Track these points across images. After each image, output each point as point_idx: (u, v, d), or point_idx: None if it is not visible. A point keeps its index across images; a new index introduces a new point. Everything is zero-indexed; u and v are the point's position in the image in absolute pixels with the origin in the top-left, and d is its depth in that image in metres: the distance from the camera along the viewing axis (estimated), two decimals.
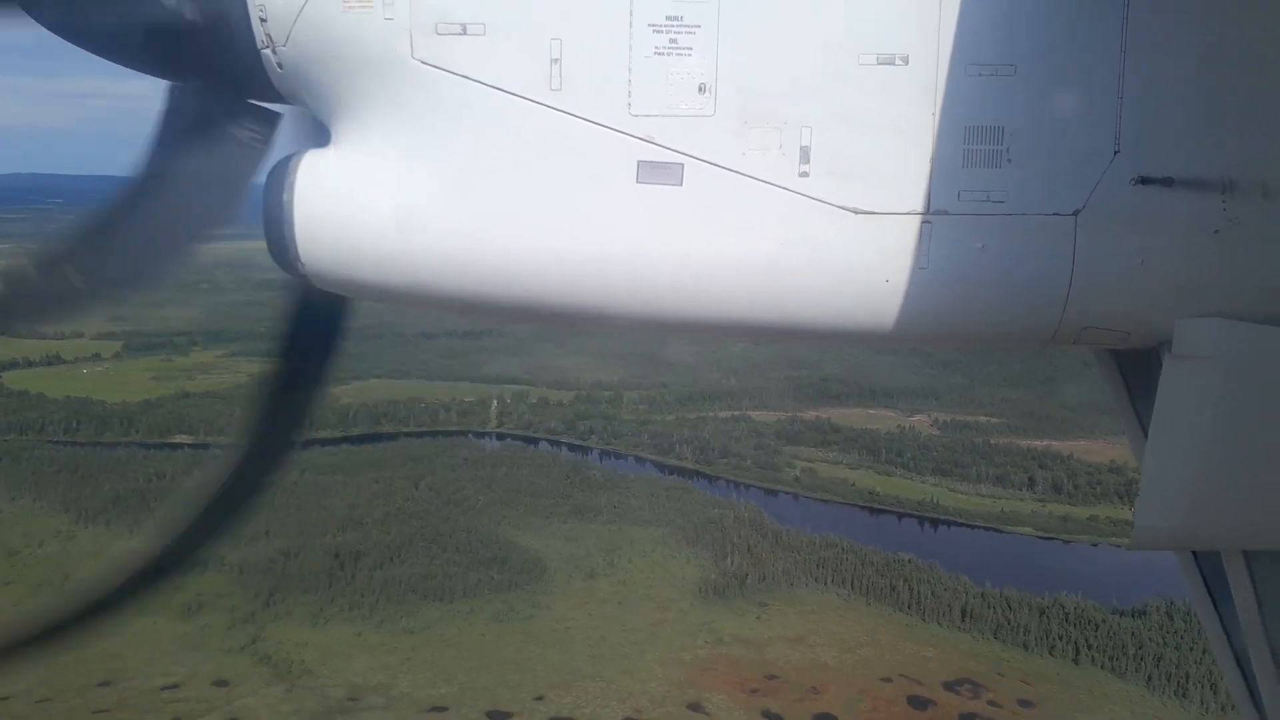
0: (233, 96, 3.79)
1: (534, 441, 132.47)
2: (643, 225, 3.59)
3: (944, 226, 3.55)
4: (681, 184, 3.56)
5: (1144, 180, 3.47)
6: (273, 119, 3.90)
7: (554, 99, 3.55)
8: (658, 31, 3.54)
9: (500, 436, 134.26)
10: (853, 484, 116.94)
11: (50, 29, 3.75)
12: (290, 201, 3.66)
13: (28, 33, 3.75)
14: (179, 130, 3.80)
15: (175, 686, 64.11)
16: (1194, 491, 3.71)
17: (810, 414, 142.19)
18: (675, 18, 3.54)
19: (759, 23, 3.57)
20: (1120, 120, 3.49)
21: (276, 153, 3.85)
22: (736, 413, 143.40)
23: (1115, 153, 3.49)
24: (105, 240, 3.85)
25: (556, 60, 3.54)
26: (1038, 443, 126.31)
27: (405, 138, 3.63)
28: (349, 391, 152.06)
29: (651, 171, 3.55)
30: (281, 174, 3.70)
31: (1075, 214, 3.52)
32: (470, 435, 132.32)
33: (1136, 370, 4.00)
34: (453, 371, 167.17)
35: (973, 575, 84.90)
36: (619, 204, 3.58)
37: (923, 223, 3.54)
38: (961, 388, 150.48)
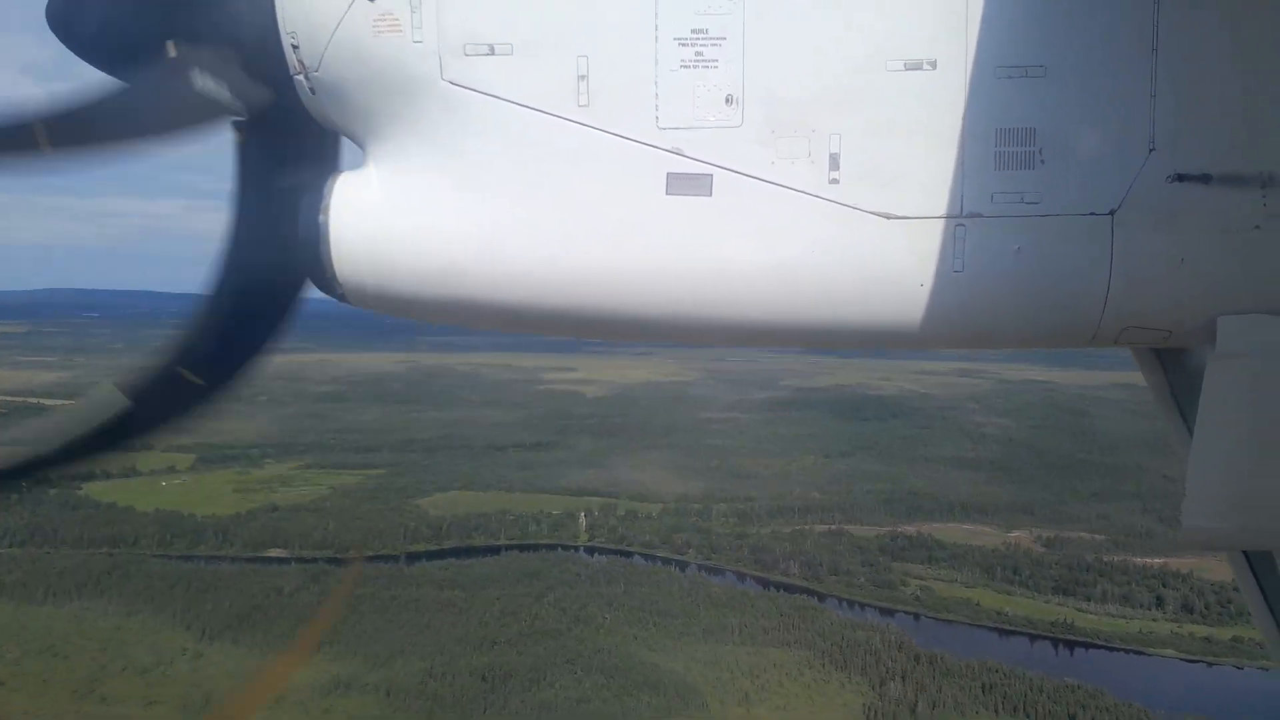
0: (294, 128, 3.80)
1: (628, 555, 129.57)
2: (673, 236, 3.58)
3: (978, 229, 3.50)
4: (711, 194, 3.55)
5: (1181, 177, 3.40)
6: (335, 140, 3.92)
7: (582, 115, 3.56)
8: (683, 45, 3.54)
9: (593, 550, 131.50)
10: (976, 603, 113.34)
11: (77, 50, 3.81)
12: (326, 222, 3.70)
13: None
14: (255, 177, 3.85)
15: None
16: (1241, 491, 3.62)
17: (909, 529, 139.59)
18: (700, 31, 3.54)
19: (784, 33, 3.55)
20: (1154, 117, 3.42)
21: (311, 173, 3.87)
22: (832, 526, 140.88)
23: (1150, 150, 3.42)
24: (209, 333, 3.91)
25: (584, 77, 3.54)
26: (1153, 560, 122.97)
27: (437, 157, 3.67)
28: (434, 503, 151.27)
29: (681, 183, 3.55)
30: (316, 195, 3.74)
31: (1111, 213, 3.45)
32: (566, 549, 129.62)
33: (1179, 369, 3.95)
34: (530, 483, 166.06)
35: (1143, 701, 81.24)
36: (649, 216, 3.58)
37: (956, 226, 3.49)
38: (1053, 503, 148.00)
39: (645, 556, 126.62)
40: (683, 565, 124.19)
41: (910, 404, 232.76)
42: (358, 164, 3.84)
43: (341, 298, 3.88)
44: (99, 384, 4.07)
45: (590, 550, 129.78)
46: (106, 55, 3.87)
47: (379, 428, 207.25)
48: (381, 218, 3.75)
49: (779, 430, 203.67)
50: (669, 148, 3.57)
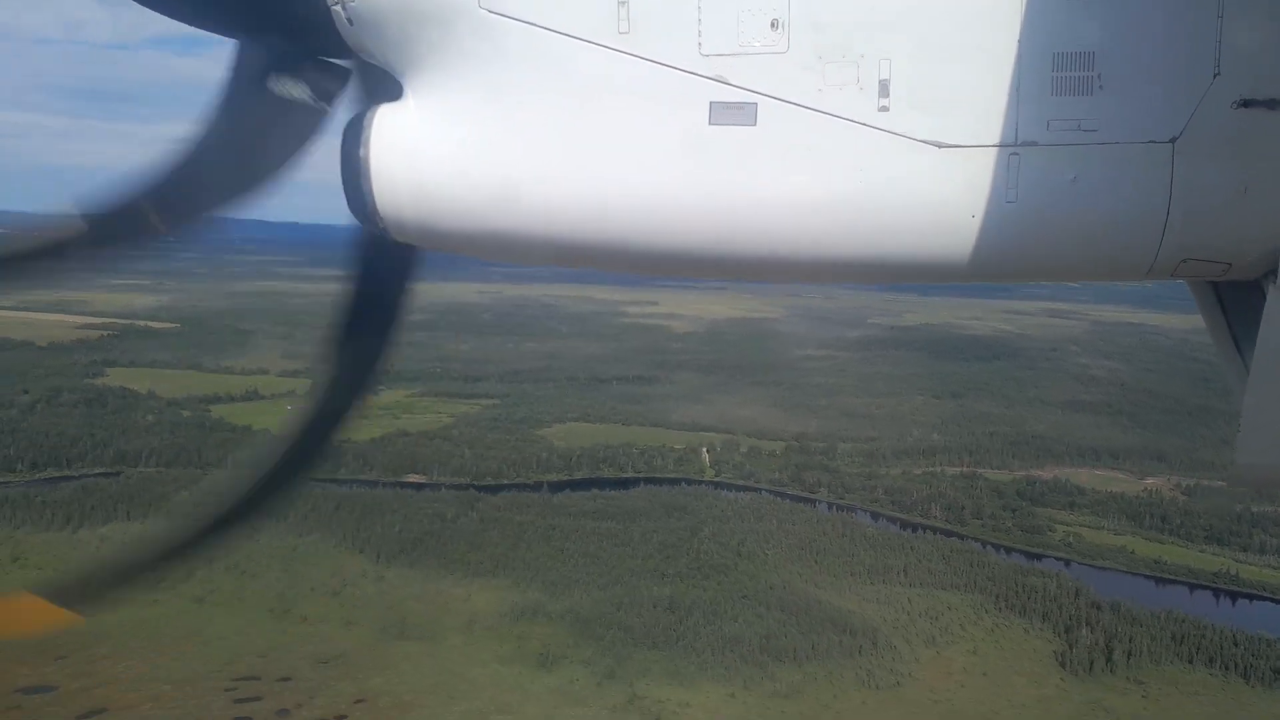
0: (299, 51, 3.79)
1: (755, 490, 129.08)
2: (717, 167, 3.47)
3: (1032, 158, 3.38)
4: (755, 124, 3.43)
5: (1246, 103, 3.25)
6: (342, 74, 3.86)
7: (622, 42, 3.45)
8: None
9: (724, 485, 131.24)
10: (1131, 551, 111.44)
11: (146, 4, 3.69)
12: (366, 156, 3.63)
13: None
14: (246, 82, 3.79)
15: None
16: None
17: (1042, 474, 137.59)
18: None
19: None
20: (1220, 41, 3.25)
21: (350, 108, 3.80)
22: (964, 469, 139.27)
23: (1215, 75, 3.27)
24: (178, 183, 3.82)
25: (624, 3, 3.43)
26: None
27: (476, 88, 3.59)
28: (556, 434, 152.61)
29: (724, 112, 3.44)
30: (357, 128, 3.67)
31: (1172, 141, 3.33)
32: (698, 484, 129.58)
33: (1237, 303, 3.79)
34: (643, 417, 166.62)
35: None
36: (692, 147, 3.47)
37: (1010, 155, 3.38)
38: (1185, 449, 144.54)
39: (775, 493, 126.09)
40: (813, 504, 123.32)
41: (1008, 345, 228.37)
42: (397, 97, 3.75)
43: (384, 232, 3.78)
44: (63, 206, 3.98)
45: (719, 485, 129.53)
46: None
47: (479, 358, 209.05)
48: (421, 151, 3.66)
49: (880, 369, 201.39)
50: (712, 76, 3.44)
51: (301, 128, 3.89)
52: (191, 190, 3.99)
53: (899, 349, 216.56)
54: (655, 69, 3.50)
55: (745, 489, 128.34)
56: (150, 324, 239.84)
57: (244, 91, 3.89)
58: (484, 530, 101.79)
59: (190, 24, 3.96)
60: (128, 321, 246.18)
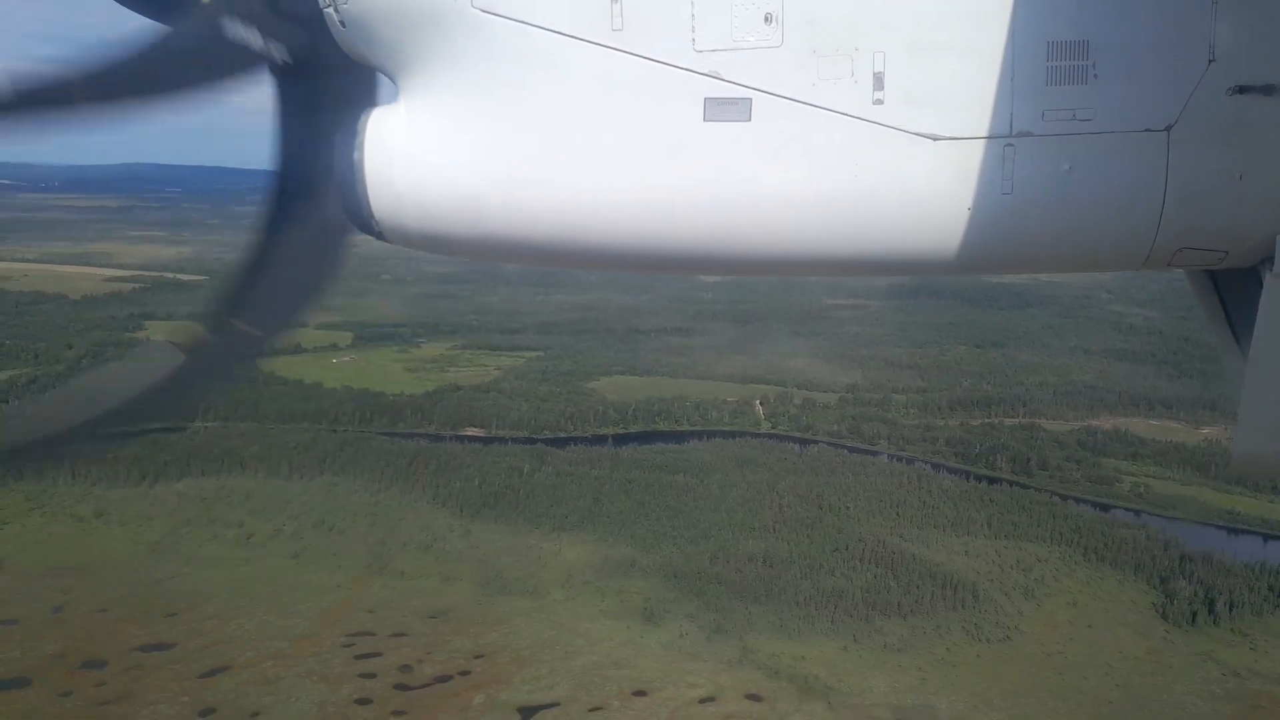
0: (331, 78, 3.75)
1: (813, 442, 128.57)
2: (712, 163, 3.46)
3: (1027, 149, 3.37)
4: (750, 119, 3.41)
5: (1242, 89, 3.24)
6: (371, 77, 3.84)
7: (616, 39, 3.43)
8: None
9: (785, 438, 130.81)
10: (1203, 501, 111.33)
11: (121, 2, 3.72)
12: (361, 160, 3.61)
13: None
14: (298, 132, 3.82)
15: (712, 700, 62.25)
16: None
17: (1100, 424, 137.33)
18: None
19: None
20: (1214, 27, 3.24)
21: (344, 111, 3.75)
22: (1022, 420, 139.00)
23: (1210, 62, 3.26)
24: (259, 284, 3.87)
25: (616, 0, 3.41)
26: None
27: (470, 88, 3.57)
28: (604, 387, 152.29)
29: (719, 108, 3.43)
30: (351, 132, 3.65)
31: (1167, 129, 3.32)
32: (760, 437, 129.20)
33: (1234, 291, 3.78)
34: (688, 369, 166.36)
35: None
36: (687, 143, 3.46)
37: (1005, 146, 3.37)
38: (1235, 399, 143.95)
39: (836, 445, 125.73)
40: (878, 456, 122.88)
41: (1039, 293, 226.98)
42: (392, 99, 3.72)
43: (380, 236, 3.76)
44: (153, 341, 4.92)
45: (781, 438, 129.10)
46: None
47: (513, 310, 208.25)
48: (416, 153, 3.62)
49: (914, 318, 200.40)
50: (706, 71, 3.42)
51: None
52: (273, 286, 3.99)
53: (929, 297, 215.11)
54: (649, 66, 3.45)
55: (806, 441, 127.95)
56: (179, 276, 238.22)
57: (300, 149, 3.86)
58: (562, 485, 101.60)
59: (208, 90, 3.87)
60: (156, 274, 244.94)
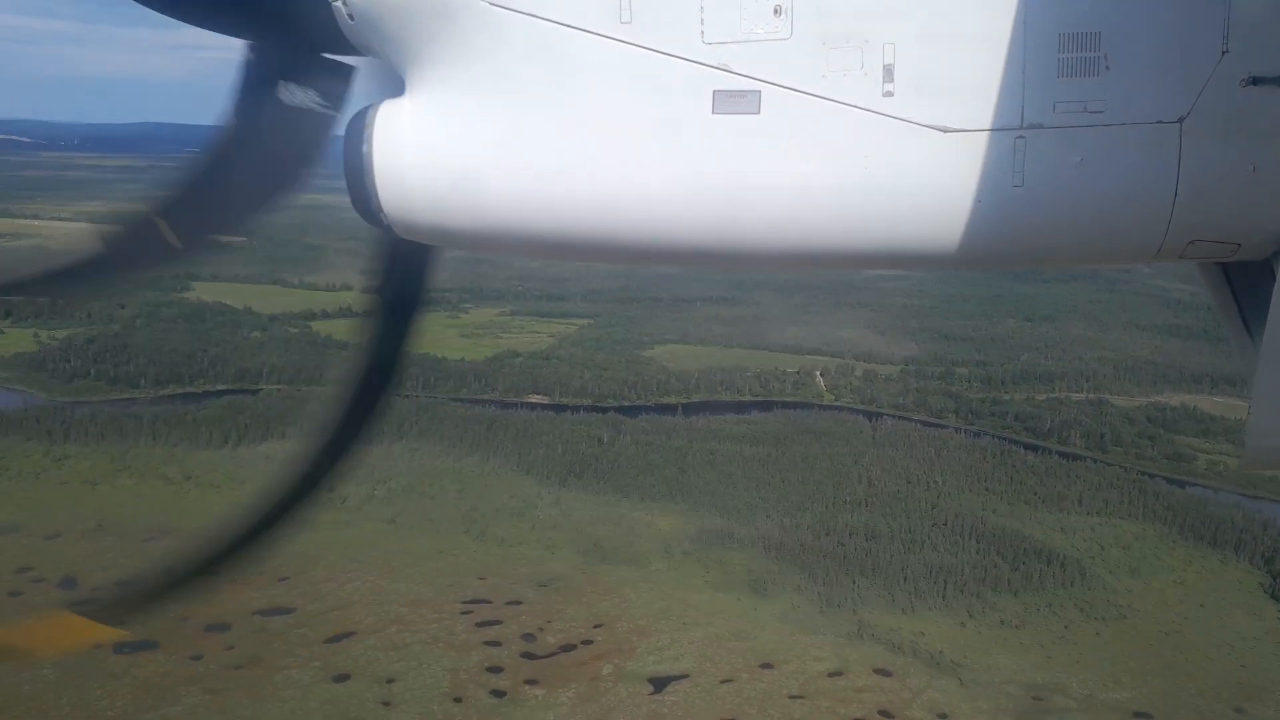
0: (305, 52, 3.79)
1: (880, 416, 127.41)
2: (721, 156, 3.46)
3: (1039, 141, 3.36)
4: (759, 112, 3.41)
5: (1256, 80, 3.22)
6: (347, 73, 3.89)
7: (624, 32, 3.44)
8: None
9: (850, 410, 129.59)
10: None
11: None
12: (369, 153, 3.63)
13: None
14: (256, 89, 3.81)
15: (840, 674, 61.87)
16: None
17: (1166, 399, 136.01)
18: None
19: None
20: (1229, 17, 3.22)
21: (353, 104, 3.81)
22: (1090, 395, 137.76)
23: (1224, 53, 3.24)
24: (194, 198, 3.89)
25: None
26: None
27: (478, 82, 3.56)
28: (660, 356, 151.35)
29: (728, 101, 3.41)
30: (359, 125, 3.67)
31: (1180, 121, 3.31)
32: (829, 409, 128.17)
33: (1246, 284, 3.77)
34: (742, 339, 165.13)
35: None
36: (696, 136, 3.46)
37: (1016, 138, 3.36)
38: None
39: (908, 419, 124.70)
40: (953, 430, 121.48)
41: (1080, 267, 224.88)
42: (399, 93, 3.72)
43: (389, 229, 3.77)
44: (81, 226, 4.18)
45: (850, 410, 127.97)
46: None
47: (554, 276, 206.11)
48: (425, 147, 3.63)
49: (959, 290, 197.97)
50: (715, 64, 3.41)
51: (312, 134, 3.81)
52: (207, 206, 3.93)
53: (970, 269, 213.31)
54: (658, 59, 3.42)
55: (873, 414, 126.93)
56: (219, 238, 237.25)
57: (255, 101, 3.79)
58: (643, 454, 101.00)
59: (193, 24, 3.81)
60: None
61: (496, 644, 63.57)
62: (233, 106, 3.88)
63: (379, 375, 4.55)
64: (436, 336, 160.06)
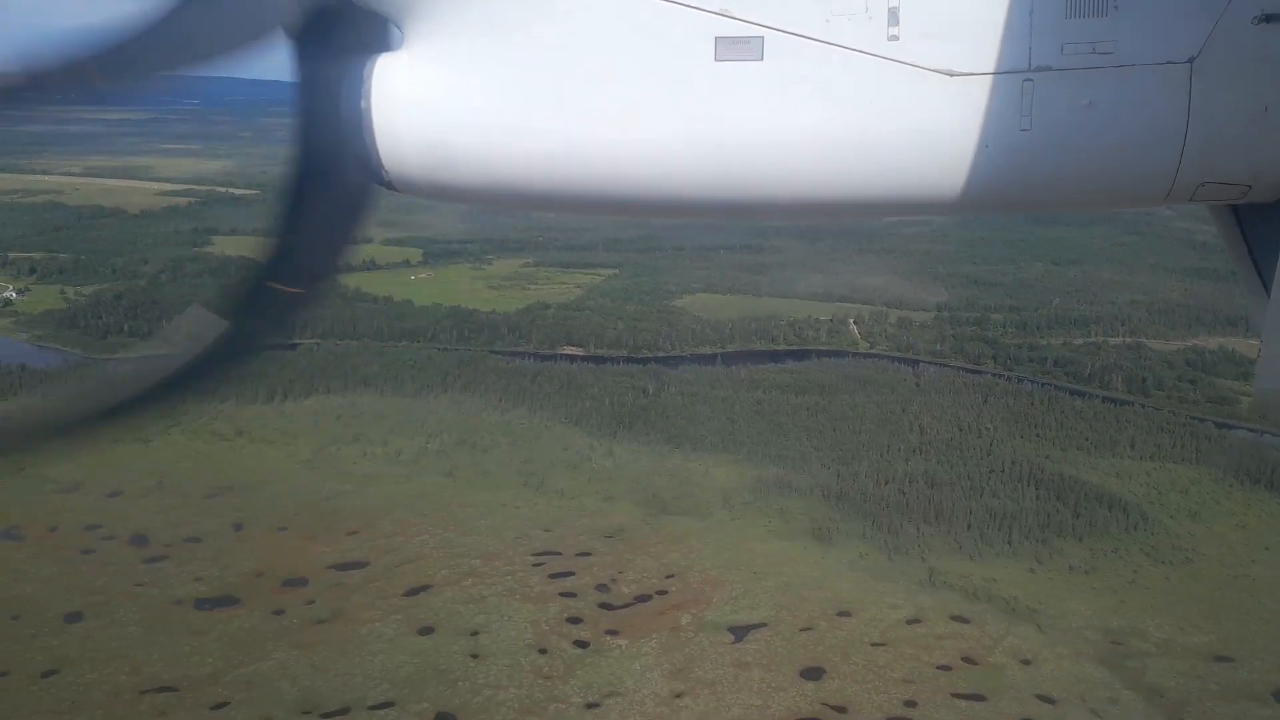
0: (347, 39, 3.72)
1: (914, 363, 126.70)
2: (724, 104, 3.39)
3: (1047, 84, 3.30)
4: (762, 58, 3.35)
5: (1267, 18, 3.16)
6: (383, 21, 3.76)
7: None
8: None
9: (889, 358, 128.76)
10: None
11: None
12: (368, 108, 3.58)
13: None
14: (319, 89, 3.73)
15: (918, 621, 62.06)
16: None
17: (1203, 343, 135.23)
18: None
19: None
20: None
21: (350, 59, 3.71)
22: (1127, 340, 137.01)
23: None
24: (292, 240, 3.89)
25: None
26: None
27: (475, 32, 3.48)
28: (690, 305, 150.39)
29: (730, 47, 3.34)
30: (356, 80, 3.59)
31: (1190, 61, 3.24)
32: (871, 358, 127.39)
33: (1257, 226, 3.71)
34: (769, 287, 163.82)
35: None
36: (698, 83, 3.39)
37: (1024, 81, 3.30)
38: None
39: (948, 366, 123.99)
40: (995, 376, 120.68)
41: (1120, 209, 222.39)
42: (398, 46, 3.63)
43: (389, 185, 3.73)
44: (190, 308, 3.97)
45: (890, 358, 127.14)
46: None
47: (573, 227, 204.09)
48: (424, 100, 3.56)
49: (981, 234, 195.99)
50: (716, 9, 3.36)
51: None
52: (309, 242, 3.93)
53: (979, 214, 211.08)
54: (659, 5, 3.34)
55: (912, 361, 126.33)
56: (231, 191, 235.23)
57: (321, 113, 3.72)
58: (690, 405, 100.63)
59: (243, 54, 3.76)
60: (207, 188, 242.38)
61: (572, 595, 63.66)
62: (301, 123, 3.75)
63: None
64: (464, 289, 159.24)
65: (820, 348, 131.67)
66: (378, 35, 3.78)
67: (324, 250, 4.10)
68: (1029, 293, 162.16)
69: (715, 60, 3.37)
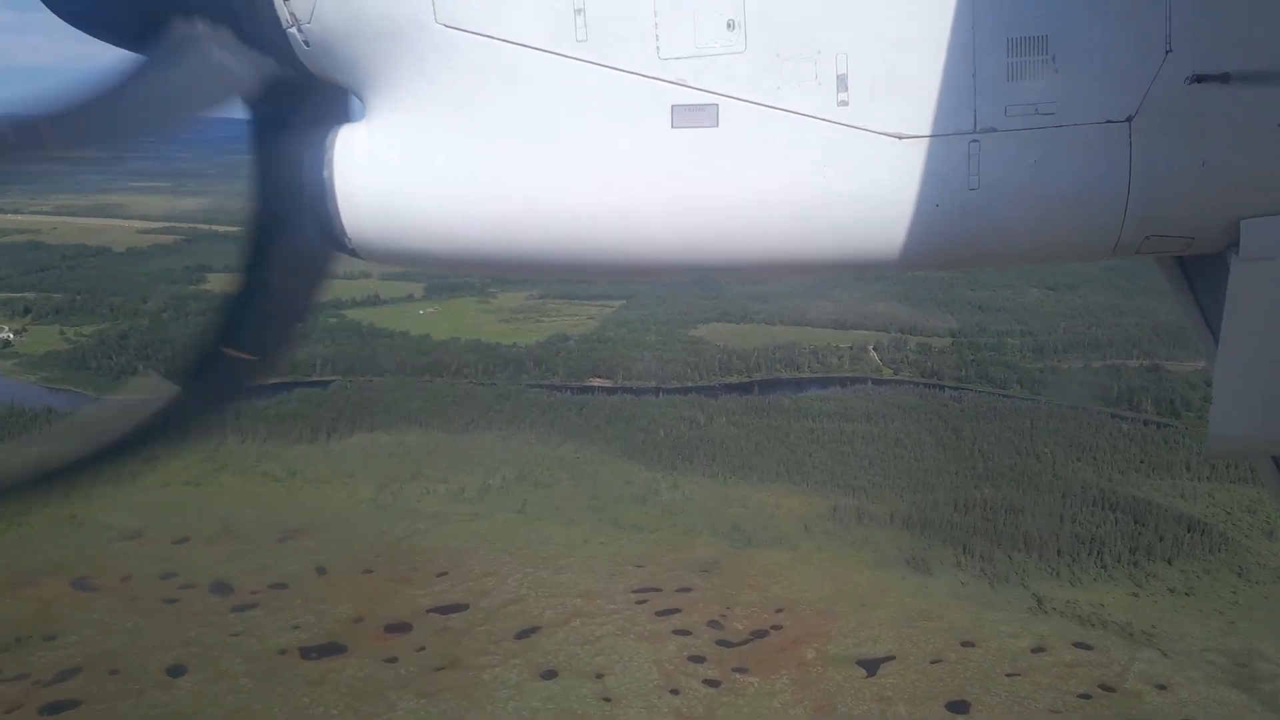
0: (302, 108, 3.77)
1: (950, 389, 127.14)
2: (682, 170, 3.47)
3: (993, 144, 3.40)
4: (718, 125, 3.43)
5: (1199, 79, 3.29)
6: (342, 94, 3.81)
7: (580, 50, 3.43)
8: None
9: (918, 384, 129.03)
10: None
11: (70, 22, 3.71)
12: (331, 178, 3.61)
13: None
14: (274, 166, 3.79)
15: (1043, 650, 61.18)
16: (1270, 397, 3.55)
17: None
18: None
19: None
20: (1170, 17, 3.28)
21: (314, 130, 3.76)
22: (1145, 362, 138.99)
23: (1167, 52, 3.30)
24: (248, 306, 3.95)
25: (580, 10, 3.40)
26: None
27: (436, 103, 3.55)
28: (707, 335, 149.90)
29: (686, 115, 3.43)
30: (319, 151, 3.64)
31: (1129, 120, 3.36)
32: (904, 384, 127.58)
33: (1203, 276, 3.82)
34: (780, 316, 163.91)
35: None
36: (656, 151, 3.46)
37: (970, 142, 3.40)
38: None
39: (975, 390, 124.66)
40: (1021, 400, 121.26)
41: None
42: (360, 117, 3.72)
43: (353, 253, 3.78)
44: (143, 373, 4.84)
45: (920, 385, 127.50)
46: (97, 23, 3.76)
47: None
48: (385, 170, 3.61)
49: None
50: (672, 79, 3.42)
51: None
52: (266, 308, 3.94)
53: (929, 271, 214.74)
54: (615, 75, 3.42)
55: (943, 387, 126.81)
56: (214, 228, 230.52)
57: (274, 162, 3.75)
58: (744, 434, 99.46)
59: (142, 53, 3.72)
60: (189, 225, 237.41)
61: (686, 633, 61.70)
62: (258, 189, 3.75)
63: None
64: (475, 322, 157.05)
65: (846, 375, 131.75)
66: (336, 106, 3.76)
67: (281, 317, 4.02)
68: (1034, 317, 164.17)
69: (672, 127, 3.41)
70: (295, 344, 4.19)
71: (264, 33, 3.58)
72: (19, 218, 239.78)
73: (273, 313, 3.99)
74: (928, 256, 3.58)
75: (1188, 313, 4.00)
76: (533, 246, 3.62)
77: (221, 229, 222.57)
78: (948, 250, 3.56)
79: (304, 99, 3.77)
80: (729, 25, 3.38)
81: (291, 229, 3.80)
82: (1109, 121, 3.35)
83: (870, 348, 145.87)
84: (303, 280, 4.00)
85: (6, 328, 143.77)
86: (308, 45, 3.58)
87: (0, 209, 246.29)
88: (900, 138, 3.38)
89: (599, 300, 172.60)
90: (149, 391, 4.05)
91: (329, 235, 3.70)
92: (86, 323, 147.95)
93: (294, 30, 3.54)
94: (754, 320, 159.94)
